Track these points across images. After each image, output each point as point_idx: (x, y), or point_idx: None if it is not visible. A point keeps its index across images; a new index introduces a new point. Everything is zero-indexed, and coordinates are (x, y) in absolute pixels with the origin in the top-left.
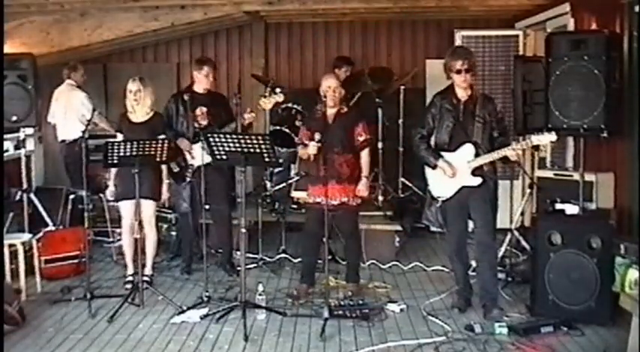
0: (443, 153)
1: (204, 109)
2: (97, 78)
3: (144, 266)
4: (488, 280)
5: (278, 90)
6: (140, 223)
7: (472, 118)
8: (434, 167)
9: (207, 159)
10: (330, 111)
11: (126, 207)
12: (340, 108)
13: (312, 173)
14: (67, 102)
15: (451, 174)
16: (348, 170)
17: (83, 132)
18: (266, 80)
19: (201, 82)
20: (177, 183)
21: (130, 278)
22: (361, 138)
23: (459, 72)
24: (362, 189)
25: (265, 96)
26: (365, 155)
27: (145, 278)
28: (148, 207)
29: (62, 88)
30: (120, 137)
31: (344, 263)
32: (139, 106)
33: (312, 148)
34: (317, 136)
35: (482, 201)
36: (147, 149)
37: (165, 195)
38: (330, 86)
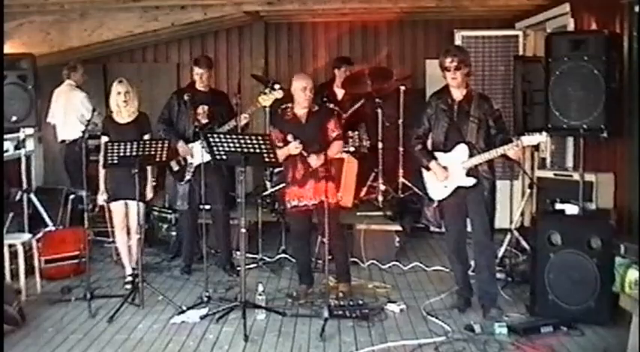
0: (438, 154)
1: (205, 108)
2: (97, 78)
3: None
4: (486, 280)
5: (277, 86)
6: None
7: (467, 118)
8: (427, 168)
9: (207, 157)
10: (302, 111)
11: (118, 208)
12: (310, 107)
13: (287, 175)
14: (66, 102)
15: (442, 178)
16: (323, 168)
17: (83, 132)
18: (266, 80)
19: (198, 83)
20: (177, 182)
21: (130, 278)
22: (334, 134)
23: (447, 69)
24: (314, 159)
25: (265, 93)
26: (335, 143)
27: (135, 273)
28: (138, 208)
29: (62, 88)
30: (105, 139)
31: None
32: (127, 107)
33: (295, 149)
34: (290, 137)
35: (479, 201)
36: (147, 149)
37: (150, 194)
38: (305, 86)
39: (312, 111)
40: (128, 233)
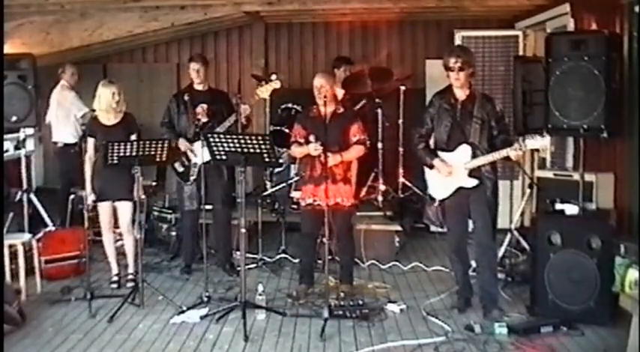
0: (440, 153)
1: (205, 106)
2: (97, 78)
3: (127, 265)
4: (487, 281)
5: (274, 76)
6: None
7: (469, 119)
8: (430, 166)
9: (207, 157)
10: (328, 110)
11: (104, 209)
12: (336, 107)
13: (305, 173)
14: (58, 103)
15: (447, 173)
16: (342, 170)
17: (84, 131)
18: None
19: (195, 79)
20: (182, 183)
21: (115, 278)
22: (355, 138)
23: (451, 69)
24: (330, 157)
25: (262, 85)
26: (355, 147)
27: (130, 277)
28: (126, 210)
29: (56, 90)
30: (91, 141)
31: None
32: (117, 107)
33: (315, 150)
34: (312, 138)
35: (481, 202)
36: (147, 149)
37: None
38: (321, 85)
39: (338, 112)
40: (120, 234)
